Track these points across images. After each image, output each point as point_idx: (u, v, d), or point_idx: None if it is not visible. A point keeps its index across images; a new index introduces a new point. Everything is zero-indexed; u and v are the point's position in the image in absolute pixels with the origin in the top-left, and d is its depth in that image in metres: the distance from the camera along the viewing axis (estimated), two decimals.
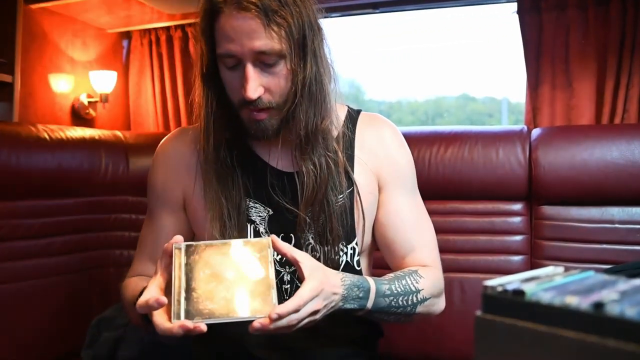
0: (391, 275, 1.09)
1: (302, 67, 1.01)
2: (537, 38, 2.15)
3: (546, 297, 0.41)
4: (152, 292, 0.89)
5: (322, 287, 0.92)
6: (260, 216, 1.12)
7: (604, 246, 1.66)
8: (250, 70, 0.98)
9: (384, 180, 1.17)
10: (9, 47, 2.23)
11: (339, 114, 1.17)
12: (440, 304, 1.17)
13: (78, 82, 2.60)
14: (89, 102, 2.63)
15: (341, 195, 1.11)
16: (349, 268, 1.12)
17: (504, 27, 2.44)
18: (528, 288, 0.43)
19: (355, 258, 1.14)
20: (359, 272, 1.15)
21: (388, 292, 1.04)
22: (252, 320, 0.86)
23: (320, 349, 1.15)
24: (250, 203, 1.13)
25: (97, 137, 2.05)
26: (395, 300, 1.05)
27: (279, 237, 1.08)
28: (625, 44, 1.99)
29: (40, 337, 1.81)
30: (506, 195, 1.80)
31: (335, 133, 1.13)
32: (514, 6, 2.17)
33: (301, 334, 0.97)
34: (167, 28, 2.75)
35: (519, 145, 1.77)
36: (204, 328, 0.84)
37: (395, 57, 3.01)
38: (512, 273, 0.49)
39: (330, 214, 1.09)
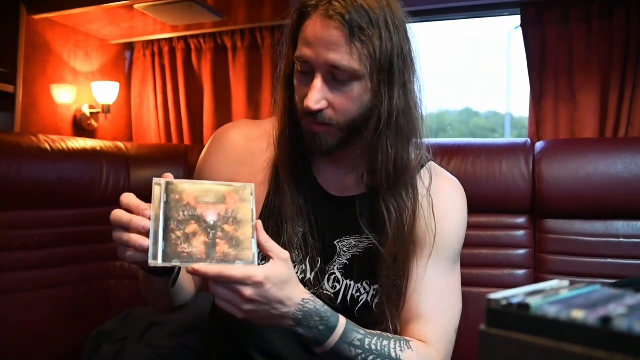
0: (379, 332, 0.97)
1: (388, 96, 0.95)
2: (541, 51, 2.15)
3: (552, 311, 0.40)
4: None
5: (265, 284, 0.81)
6: (295, 233, 1.05)
7: (609, 260, 1.65)
8: (319, 81, 0.94)
9: (422, 241, 1.07)
10: (12, 57, 2.25)
11: None
12: None
13: (80, 93, 2.61)
14: (91, 113, 2.63)
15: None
16: (367, 308, 1.05)
17: (507, 40, 2.44)
18: (533, 302, 0.41)
19: (376, 300, 1.05)
20: (374, 316, 1.06)
21: (357, 343, 0.91)
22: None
23: None
24: None
25: (98, 148, 2.05)
26: (364, 356, 0.92)
27: (307, 258, 1.05)
28: (629, 57, 1.99)
29: (40, 348, 1.80)
30: (509, 208, 1.79)
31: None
32: (517, 19, 2.17)
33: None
34: (170, 39, 2.77)
35: (522, 158, 1.76)
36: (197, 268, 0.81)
37: None
38: (515, 287, 0.47)
39: (404, 255, 1.03)
